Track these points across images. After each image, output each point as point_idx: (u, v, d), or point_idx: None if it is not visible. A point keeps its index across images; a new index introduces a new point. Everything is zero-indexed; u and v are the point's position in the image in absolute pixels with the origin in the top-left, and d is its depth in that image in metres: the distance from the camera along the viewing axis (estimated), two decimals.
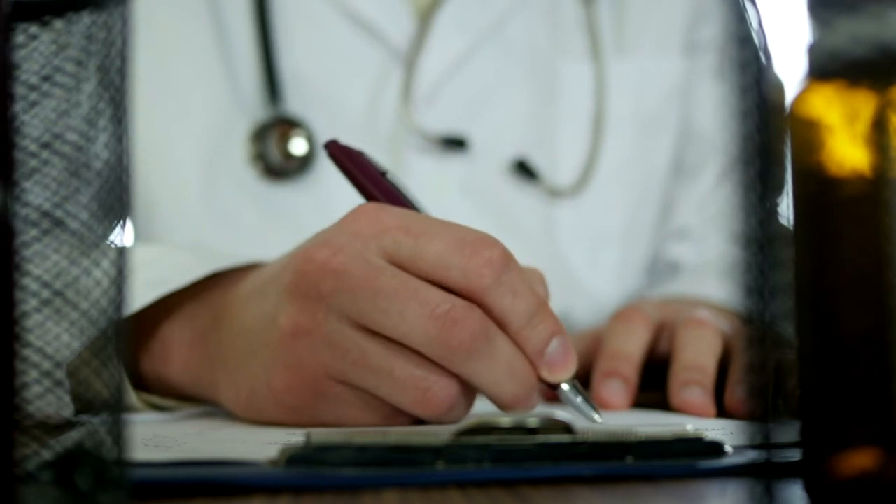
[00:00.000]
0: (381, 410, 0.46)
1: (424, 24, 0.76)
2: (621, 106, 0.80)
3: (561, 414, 0.36)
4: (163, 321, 0.54)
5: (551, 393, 0.47)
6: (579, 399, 0.46)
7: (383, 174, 0.49)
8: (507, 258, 0.45)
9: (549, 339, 0.45)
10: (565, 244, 0.79)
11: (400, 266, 0.45)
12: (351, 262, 0.44)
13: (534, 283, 0.47)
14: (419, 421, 0.46)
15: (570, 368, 0.46)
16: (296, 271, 0.45)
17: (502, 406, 0.46)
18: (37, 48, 0.30)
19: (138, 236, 0.76)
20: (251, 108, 0.75)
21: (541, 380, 0.46)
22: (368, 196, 0.49)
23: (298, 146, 0.74)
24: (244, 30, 0.75)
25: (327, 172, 0.75)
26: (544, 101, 0.79)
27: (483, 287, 0.44)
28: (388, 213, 0.46)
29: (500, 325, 0.45)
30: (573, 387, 0.46)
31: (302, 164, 0.74)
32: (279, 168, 0.74)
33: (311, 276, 0.45)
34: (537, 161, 0.78)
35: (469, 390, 0.45)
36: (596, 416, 0.46)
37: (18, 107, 0.28)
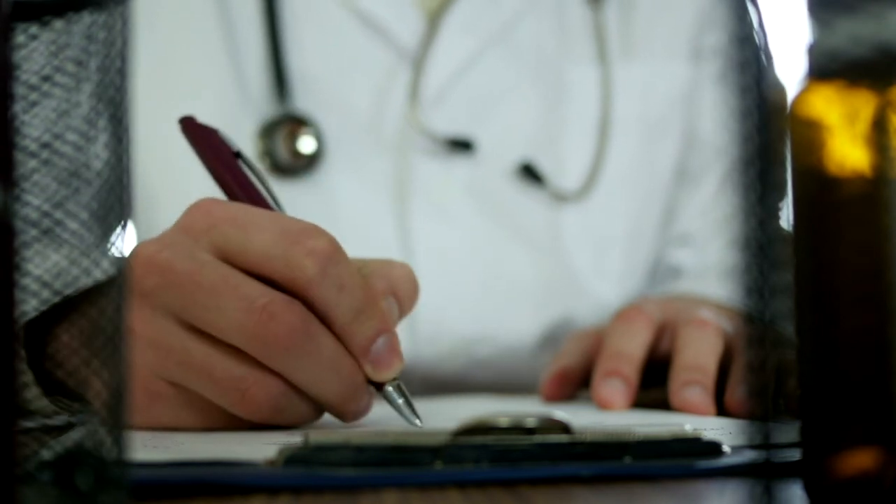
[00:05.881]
0: (214, 412, 0.45)
1: (433, 26, 0.76)
2: (627, 110, 0.80)
3: (559, 414, 0.36)
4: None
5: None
6: (402, 401, 0.45)
7: (236, 155, 0.47)
8: (333, 250, 0.43)
9: (374, 337, 0.44)
10: (569, 248, 0.78)
11: (229, 259, 0.43)
12: (175, 258, 0.43)
13: (399, 280, 0.46)
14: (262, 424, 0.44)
15: (396, 368, 0.44)
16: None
17: (333, 408, 0.44)
18: (37, 48, 0.30)
19: (144, 233, 0.76)
20: (259, 106, 0.74)
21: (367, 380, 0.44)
22: (217, 177, 0.47)
23: (307, 145, 0.74)
24: (252, 27, 0.75)
25: (335, 171, 0.75)
26: (551, 105, 0.79)
27: (306, 278, 0.42)
28: (220, 207, 0.44)
29: (325, 320, 0.43)
30: (397, 388, 0.45)
31: (310, 163, 0.74)
32: (287, 166, 0.74)
33: (135, 273, 0.43)
34: (543, 165, 0.78)
35: (300, 391, 0.44)
36: (417, 422, 0.45)
37: (18, 107, 0.29)
